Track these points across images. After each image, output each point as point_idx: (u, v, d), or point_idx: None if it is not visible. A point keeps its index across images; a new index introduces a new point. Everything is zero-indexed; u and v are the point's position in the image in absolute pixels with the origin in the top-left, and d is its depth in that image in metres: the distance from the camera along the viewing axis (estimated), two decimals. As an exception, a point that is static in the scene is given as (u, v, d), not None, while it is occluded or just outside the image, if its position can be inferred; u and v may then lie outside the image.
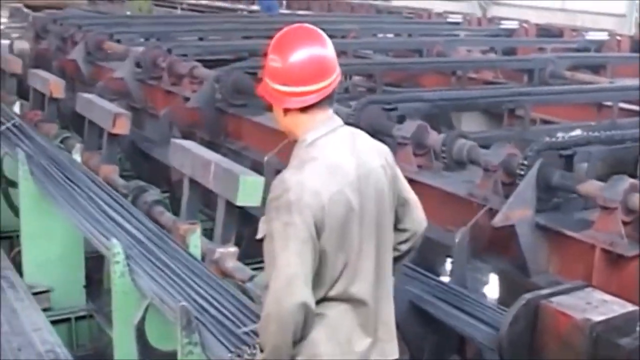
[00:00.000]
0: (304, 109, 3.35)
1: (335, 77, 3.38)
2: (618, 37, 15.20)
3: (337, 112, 3.50)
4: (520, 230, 5.62)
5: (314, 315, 3.27)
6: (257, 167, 7.15)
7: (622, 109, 9.76)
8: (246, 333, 4.42)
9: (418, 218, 3.74)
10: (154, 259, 5.48)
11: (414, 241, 3.72)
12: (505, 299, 5.73)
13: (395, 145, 6.76)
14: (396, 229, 3.60)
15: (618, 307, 4.66)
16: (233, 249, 6.07)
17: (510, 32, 16.28)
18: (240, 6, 24.73)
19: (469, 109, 9.98)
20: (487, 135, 8.61)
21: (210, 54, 12.44)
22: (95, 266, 7.69)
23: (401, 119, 7.45)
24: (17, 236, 8.50)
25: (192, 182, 6.62)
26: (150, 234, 5.90)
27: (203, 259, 5.89)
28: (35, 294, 7.14)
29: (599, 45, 14.67)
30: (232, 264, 5.88)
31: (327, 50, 3.38)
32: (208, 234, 6.69)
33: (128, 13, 21.22)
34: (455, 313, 5.20)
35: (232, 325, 4.49)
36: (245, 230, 7.06)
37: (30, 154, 7.66)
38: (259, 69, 9.92)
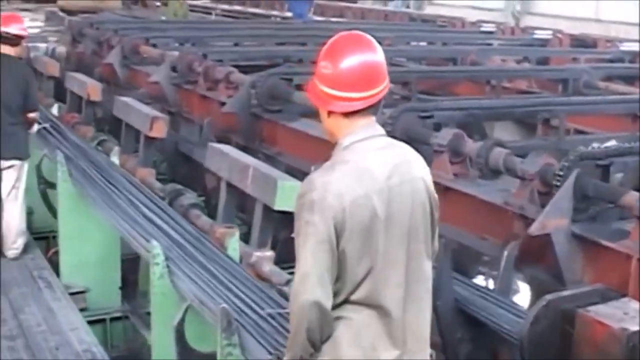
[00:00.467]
0: (346, 114, 3.37)
1: (383, 87, 3.39)
2: (652, 48, 15.13)
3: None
4: (556, 240, 5.62)
5: (331, 316, 3.29)
6: (291, 173, 7.18)
7: (657, 121, 9.72)
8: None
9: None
10: (192, 261, 5.54)
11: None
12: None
13: (432, 153, 6.78)
14: None
15: (655, 317, 4.66)
16: (269, 253, 6.13)
17: (544, 42, 16.22)
18: (274, 12, 24.82)
19: (505, 118, 9.97)
20: (522, 144, 8.59)
21: (245, 60, 12.49)
22: (130, 268, 7.79)
23: (437, 127, 7.47)
24: (54, 237, 8.63)
25: (229, 186, 6.68)
26: (189, 237, 5.97)
27: (240, 262, 5.94)
28: (71, 294, 7.24)
29: (633, 56, 14.60)
30: (268, 267, 5.92)
31: (379, 59, 3.39)
32: (242, 238, 6.74)
33: (163, 18, 21.37)
34: (493, 314, 5.23)
35: (271, 327, 4.54)
36: (281, 234, 7.12)
37: (69, 156, 7.75)
38: (295, 75, 10.00)
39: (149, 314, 7.13)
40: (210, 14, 24.83)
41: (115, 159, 8.05)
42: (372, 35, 3.45)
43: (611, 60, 14.11)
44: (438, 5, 27.69)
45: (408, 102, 9.54)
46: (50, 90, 11.61)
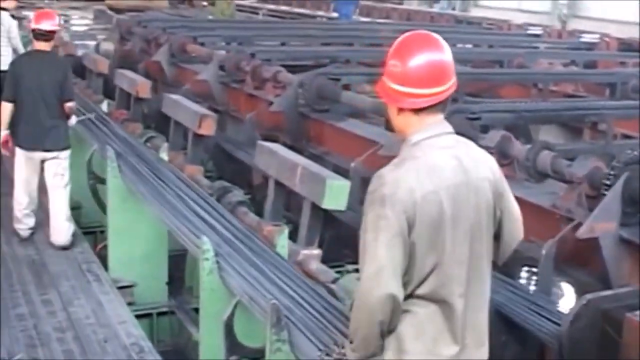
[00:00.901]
0: (416, 111, 3.41)
1: (450, 85, 3.43)
2: (701, 53, 15.00)
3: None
4: (603, 243, 5.63)
5: (401, 309, 3.32)
6: (338, 172, 7.21)
7: None
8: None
9: (514, 232, 3.73)
10: (242, 258, 5.58)
11: (504, 253, 3.76)
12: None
13: (479, 155, 6.77)
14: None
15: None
16: (317, 251, 6.15)
17: (591, 46, 16.15)
18: (320, 13, 24.88)
19: (552, 121, 9.95)
20: (569, 148, 8.57)
21: (292, 60, 12.53)
22: (176, 264, 7.86)
23: (484, 129, 7.47)
24: (101, 231, 8.73)
25: (277, 184, 6.72)
26: (238, 233, 6.01)
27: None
28: (119, 288, 7.31)
29: (681, 61, 14.50)
30: (316, 265, 5.94)
31: (446, 58, 3.43)
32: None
33: (210, 17, 21.49)
34: (538, 320, 5.22)
35: (320, 324, 4.56)
36: (327, 233, 7.16)
37: (119, 152, 7.84)
38: (342, 75, 10.04)
39: (195, 309, 7.23)
40: (257, 13, 24.95)
41: (164, 156, 8.13)
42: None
43: (659, 65, 13.99)
44: (484, 8, 27.63)
45: (455, 103, 9.56)
46: (99, 87, 11.72)
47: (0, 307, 6.56)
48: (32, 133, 7.78)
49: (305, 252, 6.09)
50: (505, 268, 5.77)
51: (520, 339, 5.50)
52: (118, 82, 10.79)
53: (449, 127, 3.48)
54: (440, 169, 3.34)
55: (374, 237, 3.26)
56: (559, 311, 5.35)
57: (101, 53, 13.97)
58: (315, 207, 6.20)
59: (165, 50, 12.85)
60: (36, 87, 7.74)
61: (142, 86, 9.99)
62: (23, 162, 7.91)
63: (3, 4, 11.74)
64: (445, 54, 3.42)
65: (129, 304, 7.16)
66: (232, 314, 5.10)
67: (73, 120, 8.09)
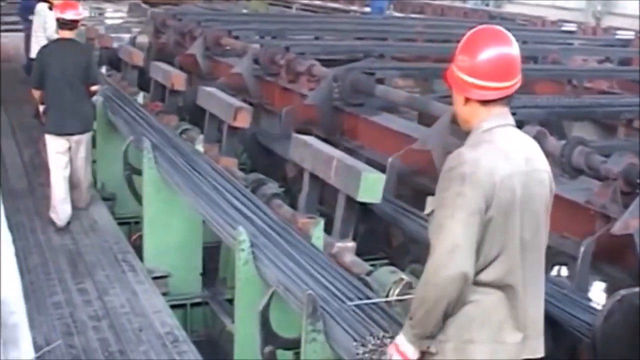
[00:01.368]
0: (483, 102, 3.46)
1: (517, 80, 3.49)
2: None
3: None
4: (638, 239, 5.62)
5: (469, 290, 3.34)
6: (371, 166, 7.24)
7: None
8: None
9: None
10: (277, 249, 5.61)
11: None
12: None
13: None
14: None
15: None
16: (351, 244, 6.18)
17: (625, 43, 16.07)
18: (353, 7, 24.89)
19: (587, 117, 9.92)
20: (604, 144, 8.54)
21: (326, 54, 12.57)
22: (211, 255, 7.92)
23: (519, 125, 7.44)
24: (136, 222, 8.81)
25: (312, 177, 6.74)
26: (273, 224, 6.03)
27: (321, 252, 6.00)
28: (154, 278, 7.37)
29: None
30: (350, 258, 5.98)
31: (515, 53, 3.49)
32: (322, 229, 6.81)
33: (245, 11, 21.54)
34: (572, 315, 5.22)
35: (356, 316, 4.58)
36: (361, 226, 7.18)
37: (154, 143, 7.89)
38: (377, 70, 10.05)
39: (229, 301, 7.28)
40: (290, 7, 24.99)
41: (200, 148, 8.18)
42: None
43: (695, 62, 13.92)
44: (518, 4, 27.50)
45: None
46: (134, 80, 11.79)
47: (36, 295, 6.65)
48: (61, 118, 8.26)
49: (340, 244, 6.13)
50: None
51: (554, 334, 5.50)
52: (153, 74, 10.85)
53: (512, 120, 3.55)
54: (513, 155, 3.39)
55: (451, 213, 3.29)
56: (593, 307, 5.35)
57: (137, 46, 14.04)
58: (350, 200, 6.21)
59: (199, 44, 12.92)
60: (61, 74, 8.19)
61: (177, 78, 10.03)
62: (55, 149, 8.32)
63: None
64: (514, 49, 3.48)
65: (164, 294, 7.19)
66: (267, 304, 5.12)
67: (97, 97, 8.80)
